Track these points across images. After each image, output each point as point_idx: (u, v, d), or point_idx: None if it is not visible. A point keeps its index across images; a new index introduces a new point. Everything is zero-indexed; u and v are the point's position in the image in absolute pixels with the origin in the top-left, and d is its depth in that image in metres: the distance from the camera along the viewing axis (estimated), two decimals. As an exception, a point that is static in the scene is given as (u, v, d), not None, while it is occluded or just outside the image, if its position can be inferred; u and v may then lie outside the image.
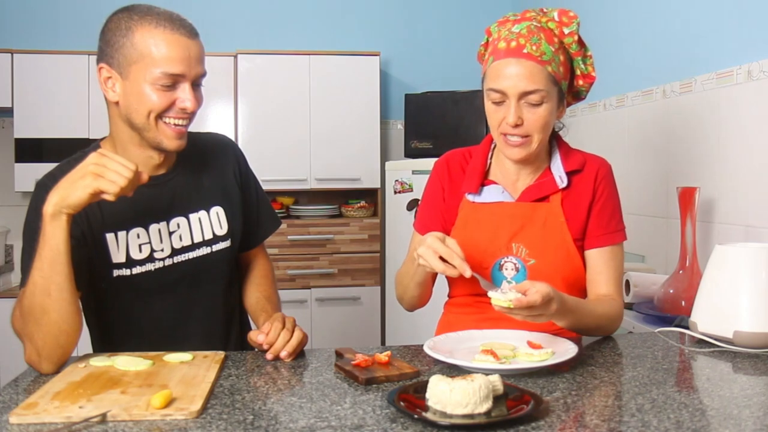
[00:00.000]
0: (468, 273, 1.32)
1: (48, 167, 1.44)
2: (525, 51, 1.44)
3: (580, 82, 1.57)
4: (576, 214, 1.55)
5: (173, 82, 1.35)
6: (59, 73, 3.66)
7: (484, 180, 1.61)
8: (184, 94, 1.37)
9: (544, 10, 1.53)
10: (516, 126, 1.46)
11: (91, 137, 3.58)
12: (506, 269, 1.55)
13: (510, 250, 1.54)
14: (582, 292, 1.59)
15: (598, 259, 1.55)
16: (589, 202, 1.56)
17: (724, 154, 2.22)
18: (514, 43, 1.45)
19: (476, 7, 4.26)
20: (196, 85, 1.40)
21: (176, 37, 1.34)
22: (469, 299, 1.58)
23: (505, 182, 1.60)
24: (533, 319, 1.30)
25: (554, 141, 1.61)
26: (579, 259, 1.55)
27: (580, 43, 1.53)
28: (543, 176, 1.58)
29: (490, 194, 1.59)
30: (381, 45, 4.11)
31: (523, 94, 1.44)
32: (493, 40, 1.53)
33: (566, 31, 1.48)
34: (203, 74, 1.41)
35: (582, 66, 1.55)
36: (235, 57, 3.78)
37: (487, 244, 1.55)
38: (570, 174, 1.56)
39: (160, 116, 1.37)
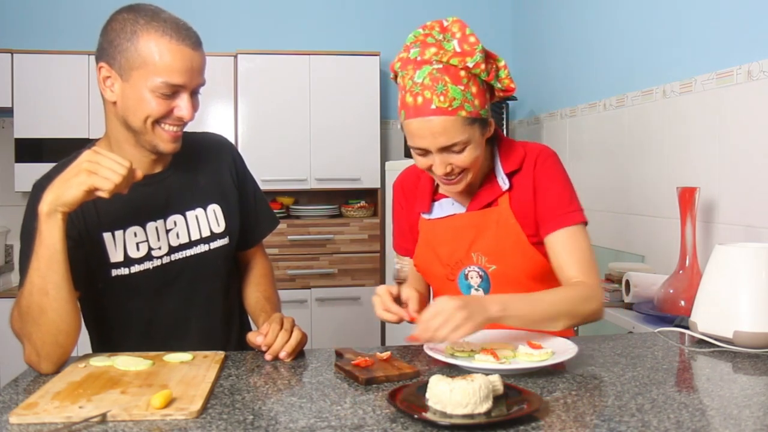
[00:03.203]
0: (407, 317, 1.39)
1: (48, 167, 1.43)
2: (433, 106, 1.37)
3: (501, 95, 1.51)
4: (525, 211, 1.53)
5: (173, 91, 1.36)
6: (59, 73, 3.66)
7: (434, 195, 1.62)
8: (182, 103, 1.37)
9: (445, 27, 1.43)
10: (447, 174, 1.45)
11: (91, 137, 3.58)
12: (471, 278, 1.56)
13: (470, 260, 1.55)
14: (555, 285, 1.55)
15: (555, 244, 1.49)
16: (533, 195, 1.52)
17: (724, 154, 2.22)
18: (420, 99, 1.38)
19: (476, 7, 4.26)
20: (194, 93, 1.41)
21: (181, 47, 1.34)
22: None
23: (454, 193, 1.58)
24: (454, 327, 1.24)
25: (495, 142, 1.58)
26: (539, 255, 1.52)
27: (489, 62, 1.43)
28: (488, 181, 1.56)
29: (442, 209, 1.60)
30: (381, 45, 4.11)
31: (444, 148, 1.41)
32: (400, 86, 1.44)
33: (470, 63, 1.38)
34: (202, 84, 1.41)
35: (498, 84, 1.47)
36: (235, 57, 3.78)
37: (449, 257, 1.57)
38: (511, 174, 1.54)
39: (156, 121, 1.37)
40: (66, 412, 1.03)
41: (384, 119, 4.12)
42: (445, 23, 1.44)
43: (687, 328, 1.54)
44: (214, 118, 3.80)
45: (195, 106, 1.41)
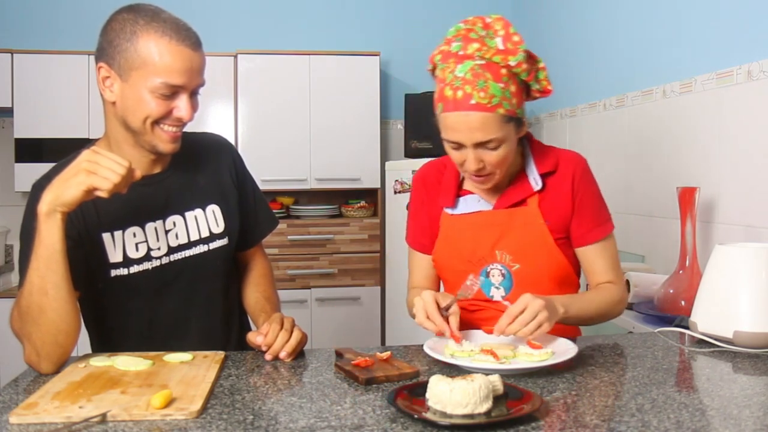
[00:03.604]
0: (448, 334, 1.34)
1: (48, 167, 1.43)
2: (473, 102, 1.38)
3: (537, 96, 1.52)
4: (556, 214, 1.55)
5: (172, 92, 1.36)
6: (59, 73, 3.66)
7: (459, 191, 1.62)
8: (182, 103, 1.37)
9: (487, 23, 1.43)
10: (478, 170, 1.46)
11: (91, 137, 3.58)
12: (493, 276, 1.56)
13: (494, 258, 1.56)
14: (572, 288, 1.61)
15: (591, 254, 1.57)
16: (571, 203, 1.55)
17: (724, 154, 2.22)
18: (460, 93, 1.39)
19: (476, 7, 4.25)
20: (193, 93, 1.41)
21: (180, 48, 1.34)
22: (463, 302, 1.60)
23: (481, 190, 1.59)
24: (534, 324, 1.30)
25: (526, 142, 1.60)
26: (563, 258, 1.55)
27: (530, 62, 1.44)
28: (517, 180, 1.57)
29: (467, 205, 1.60)
30: (381, 45, 4.11)
31: (479, 144, 1.43)
32: (439, 79, 1.45)
33: (513, 62, 1.39)
34: (202, 84, 1.41)
35: (537, 85, 1.49)
36: (235, 57, 3.78)
37: (471, 253, 1.57)
38: (544, 176, 1.56)
39: (156, 122, 1.37)
40: (66, 412, 1.03)
41: (384, 119, 4.12)
42: (488, 20, 1.45)
43: (687, 328, 1.54)
44: (214, 118, 3.80)
45: (194, 106, 1.41)
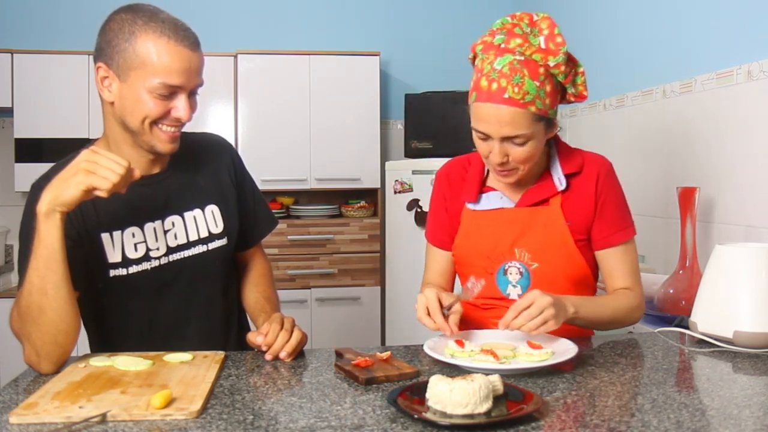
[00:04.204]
0: (448, 332, 1.35)
1: (48, 167, 1.43)
2: (506, 95, 1.39)
3: (572, 99, 1.53)
4: (578, 216, 1.55)
5: (171, 92, 1.36)
6: (59, 73, 3.66)
7: (482, 187, 1.63)
8: (180, 104, 1.37)
9: (534, 21, 1.45)
10: (501, 164, 1.47)
11: (91, 137, 3.58)
12: (510, 273, 1.56)
13: (513, 255, 1.56)
14: (589, 290, 1.61)
15: (610, 258, 1.57)
16: (594, 205, 1.55)
17: (724, 154, 2.22)
18: (495, 85, 1.40)
19: (476, 7, 4.26)
20: (192, 94, 1.41)
21: (179, 48, 1.34)
22: (476, 300, 1.59)
23: (504, 187, 1.60)
24: (541, 320, 1.30)
25: (553, 142, 1.61)
26: (582, 259, 1.55)
27: (569, 65, 1.45)
28: (542, 180, 1.58)
29: (489, 201, 1.60)
30: (381, 45, 4.11)
31: (506, 138, 1.44)
32: (477, 68, 1.47)
33: (552, 63, 1.40)
34: (200, 85, 1.42)
35: (573, 89, 1.50)
36: (235, 57, 3.78)
37: (490, 250, 1.57)
38: (569, 176, 1.56)
39: (154, 122, 1.37)
40: (66, 412, 1.03)
41: (384, 119, 4.12)
42: (535, 18, 1.46)
43: (687, 328, 1.54)
44: (214, 118, 3.80)
45: (193, 106, 1.41)
